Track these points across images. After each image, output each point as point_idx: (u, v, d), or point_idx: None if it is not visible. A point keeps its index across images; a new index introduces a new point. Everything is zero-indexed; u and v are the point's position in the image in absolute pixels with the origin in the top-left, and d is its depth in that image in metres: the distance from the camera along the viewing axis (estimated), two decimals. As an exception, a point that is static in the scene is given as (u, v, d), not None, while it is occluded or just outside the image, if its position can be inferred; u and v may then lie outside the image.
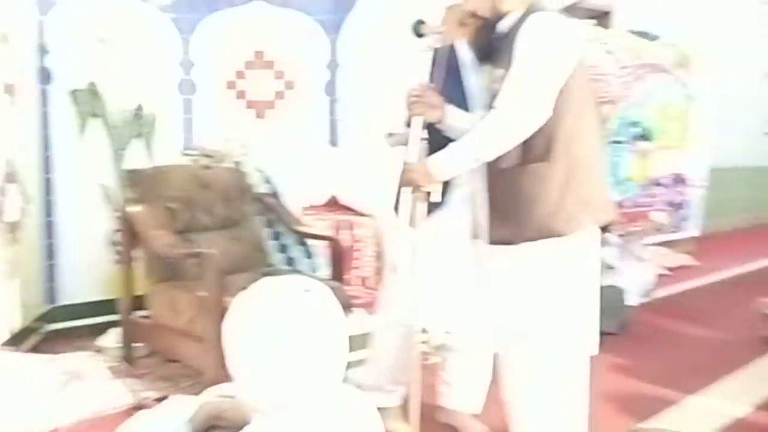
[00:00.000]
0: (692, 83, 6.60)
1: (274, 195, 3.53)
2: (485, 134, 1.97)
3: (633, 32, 6.04)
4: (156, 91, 3.80)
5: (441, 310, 2.26)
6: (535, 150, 1.99)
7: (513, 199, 2.05)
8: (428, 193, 2.10)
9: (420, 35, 2.14)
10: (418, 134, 2.11)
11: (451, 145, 2.04)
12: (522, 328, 2.10)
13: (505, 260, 2.11)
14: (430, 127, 2.14)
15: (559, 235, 2.02)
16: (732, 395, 3.14)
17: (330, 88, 3.89)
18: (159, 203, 3.14)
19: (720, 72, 7.63)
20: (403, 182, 2.09)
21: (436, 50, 2.18)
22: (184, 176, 3.31)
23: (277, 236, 3.50)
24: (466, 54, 2.31)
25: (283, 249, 3.46)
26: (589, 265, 2.15)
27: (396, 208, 2.44)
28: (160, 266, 3.06)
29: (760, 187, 9.11)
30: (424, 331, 2.67)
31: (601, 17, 5.87)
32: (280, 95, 3.91)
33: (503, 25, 2.11)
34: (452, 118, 2.22)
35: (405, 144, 2.35)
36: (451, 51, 2.32)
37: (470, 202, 2.25)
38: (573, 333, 2.10)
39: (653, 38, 6.21)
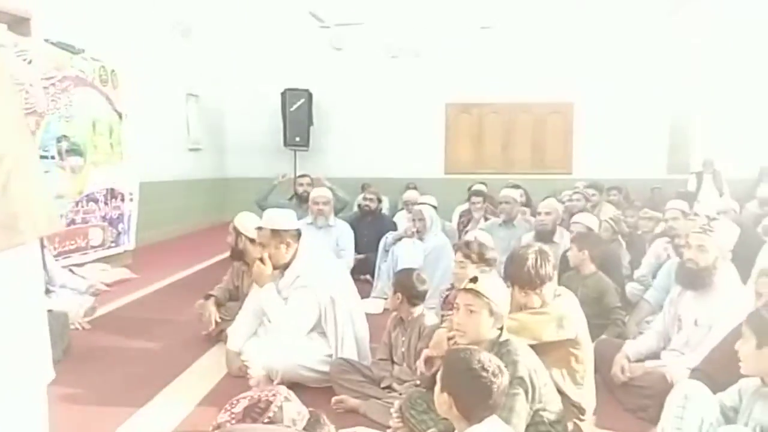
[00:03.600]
0: (120, 100, 6.73)
1: None
2: None
3: (55, 43, 5.77)
4: None
5: None
6: None
7: None
8: None
9: None
10: None
11: None
12: None
13: None
14: None
15: None
16: (180, 397, 3.32)
17: None
18: None
19: (146, 90, 8.01)
20: None
21: None
22: None
23: None
24: None
25: None
26: (30, 284, 1.91)
27: None
28: None
29: (186, 199, 9.96)
30: None
31: (17, 23, 5.38)
32: None
33: None
34: None
35: None
36: None
37: None
38: (22, 360, 1.83)
39: (77, 51, 6.07)
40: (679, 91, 11.25)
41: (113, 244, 6.65)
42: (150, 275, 6.38)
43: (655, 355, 3.37)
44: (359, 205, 7.08)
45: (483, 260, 3.45)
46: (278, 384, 2.82)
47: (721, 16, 10.43)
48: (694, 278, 3.25)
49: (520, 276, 2.83)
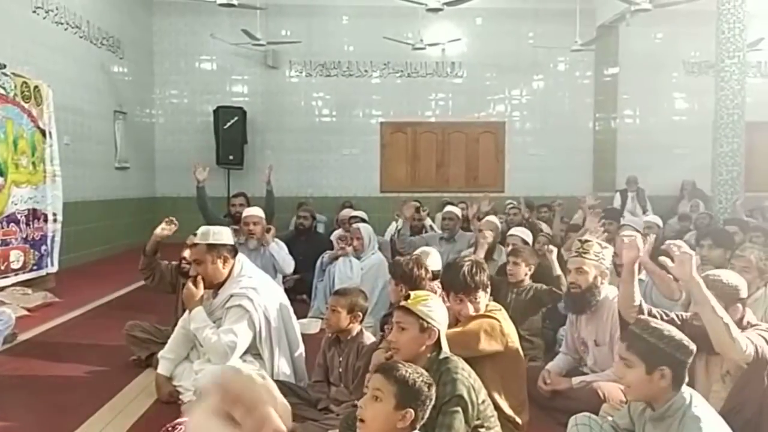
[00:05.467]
0: (43, 117, 6.46)
1: None
2: None
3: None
4: None
5: None
6: None
7: None
8: None
9: None
10: None
11: None
12: None
13: None
14: None
15: None
16: (108, 426, 3.18)
17: None
18: None
19: (71, 107, 7.73)
20: None
21: None
22: None
23: None
24: None
25: None
26: None
27: None
28: None
29: (113, 219, 9.61)
30: None
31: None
32: None
33: None
34: None
35: None
36: None
37: None
38: None
39: (-1, 67, 5.82)
40: (601, 113, 11.80)
41: (35, 267, 6.33)
42: (74, 299, 6.12)
43: (578, 372, 3.48)
44: (295, 225, 7.05)
45: (408, 280, 3.39)
46: (212, 409, 2.74)
47: (634, 48, 11.27)
48: (580, 301, 3.36)
49: (456, 282, 2.88)
